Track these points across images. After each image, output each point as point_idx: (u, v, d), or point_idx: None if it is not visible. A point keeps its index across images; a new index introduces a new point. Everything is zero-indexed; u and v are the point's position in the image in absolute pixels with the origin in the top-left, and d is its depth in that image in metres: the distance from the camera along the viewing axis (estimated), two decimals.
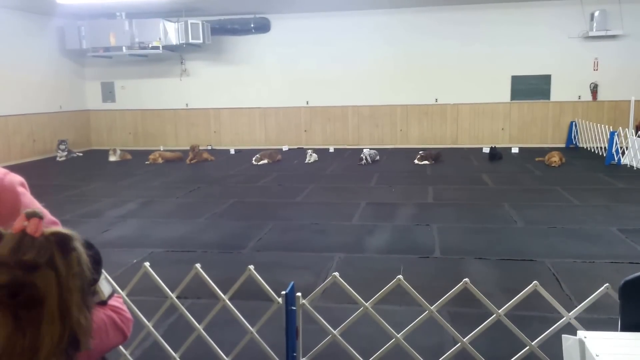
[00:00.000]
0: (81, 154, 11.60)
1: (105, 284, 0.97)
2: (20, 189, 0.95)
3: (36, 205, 0.94)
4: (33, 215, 0.75)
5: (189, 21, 10.92)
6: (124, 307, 1.01)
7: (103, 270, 0.97)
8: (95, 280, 0.88)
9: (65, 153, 10.93)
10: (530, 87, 11.29)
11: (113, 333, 0.96)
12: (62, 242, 0.75)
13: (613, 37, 10.72)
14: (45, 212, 0.93)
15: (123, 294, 2.35)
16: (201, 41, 11.10)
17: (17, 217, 0.86)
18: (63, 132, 11.72)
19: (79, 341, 0.75)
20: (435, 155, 9.52)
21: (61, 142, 10.98)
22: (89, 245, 0.86)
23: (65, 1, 9.46)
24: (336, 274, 2.31)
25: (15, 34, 10.47)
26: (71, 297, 0.74)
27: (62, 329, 0.73)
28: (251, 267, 2.38)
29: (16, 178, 0.96)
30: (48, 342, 0.72)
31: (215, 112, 12.40)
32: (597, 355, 1.54)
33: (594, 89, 11.09)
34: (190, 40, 10.97)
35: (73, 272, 0.75)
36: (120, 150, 10.92)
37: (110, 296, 0.98)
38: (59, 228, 0.78)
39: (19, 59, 10.53)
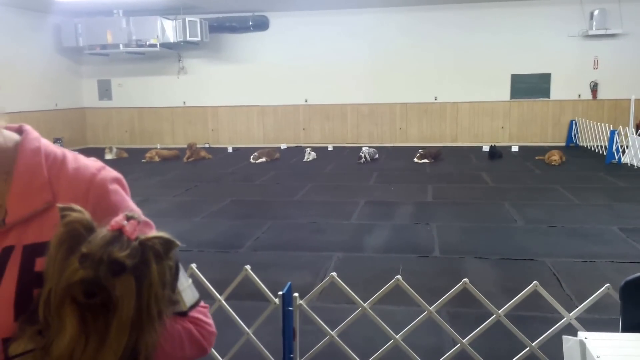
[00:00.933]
0: (77, 152, 11.55)
1: (189, 293, 0.88)
2: (113, 187, 0.89)
3: (128, 205, 0.89)
4: (132, 217, 0.71)
5: (187, 19, 10.87)
6: (208, 319, 0.92)
7: (188, 278, 0.90)
8: (172, 290, 0.81)
9: None
10: (530, 86, 11.27)
11: (189, 346, 0.87)
12: (161, 249, 0.72)
13: (613, 35, 10.70)
14: (139, 214, 0.88)
15: None
16: (199, 39, 11.06)
17: (109, 217, 0.83)
18: (59, 129, 11.67)
19: (138, 355, 0.70)
20: (435, 154, 9.49)
21: (56, 140, 10.95)
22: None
23: None
24: (334, 274, 2.28)
25: (11, 31, 10.41)
26: (149, 310, 0.69)
27: (128, 341, 0.68)
28: (248, 267, 2.35)
29: (110, 174, 0.90)
30: (110, 355, 0.67)
31: (213, 110, 12.36)
32: (598, 357, 1.51)
33: (594, 88, 11.07)
34: (188, 38, 10.92)
35: (163, 281, 0.70)
36: (117, 148, 10.89)
37: (193, 306, 0.89)
38: (161, 232, 0.74)
39: (14, 56, 10.46)
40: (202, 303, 0.92)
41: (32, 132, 0.89)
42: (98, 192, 0.85)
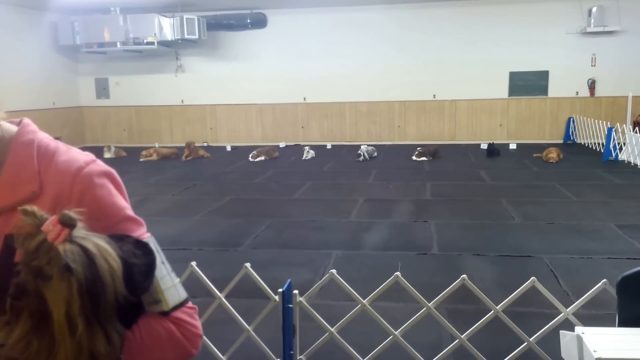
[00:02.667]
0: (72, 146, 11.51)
1: (174, 293, 0.85)
2: (100, 180, 0.86)
3: (114, 200, 0.86)
4: (64, 219, 0.69)
5: (185, 16, 10.84)
6: (194, 320, 0.88)
7: (175, 277, 0.87)
8: (144, 291, 0.79)
9: None
10: (528, 83, 11.28)
11: (170, 348, 0.84)
12: (81, 254, 0.69)
13: (611, 33, 10.71)
14: (122, 210, 0.87)
15: None
16: (197, 37, 11.03)
17: (99, 214, 0.82)
18: (56, 128, 11.62)
19: None
20: (434, 152, 9.51)
21: (55, 139, 10.89)
22: (145, 253, 0.78)
23: None
24: (333, 271, 2.30)
25: (7, 29, 10.35)
26: (79, 317, 0.68)
27: (75, 347, 0.68)
28: (247, 264, 2.36)
29: (98, 168, 0.87)
30: (62, 355, 0.67)
31: (211, 108, 12.34)
32: (594, 351, 1.53)
33: (592, 85, 11.08)
34: (186, 36, 10.89)
35: (86, 289, 0.68)
36: (115, 147, 10.86)
37: (178, 307, 0.85)
38: (92, 237, 0.71)
39: (11, 55, 10.40)
40: (189, 304, 0.89)
41: (29, 125, 0.90)
42: (83, 185, 0.84)
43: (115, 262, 0.71)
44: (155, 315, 0.84)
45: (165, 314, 0.84)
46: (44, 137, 0.89)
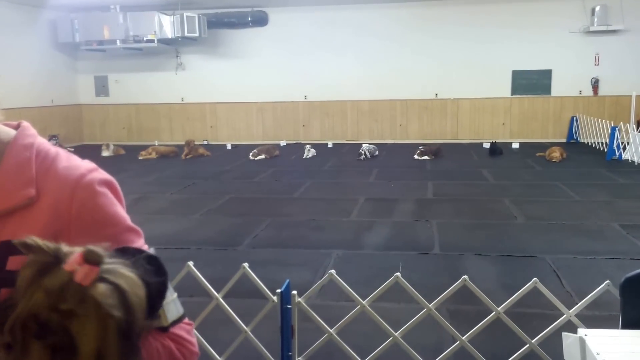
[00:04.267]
0: (73, 149, 11.51)
1: (172, 308, 0.83)
2: (101, 189, 0.84)
3: (115, 210, 0.84)
4: (90, 257, 0.65)
5: (185, 14, 10.82)
6: (191, 338, 0.87)
7: (173, 291, 0.85)
8: (156, 311, 0.76)
9: None
10: (531, 82, 11.23)
11: None
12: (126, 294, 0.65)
13: (614, 31, 10.66)
14: (123, 220, 0.85)
15: None
16: (197, 34, 11.01)
17: (101, 223, 0.80)
18: (55, 126, 11.63)
19: None
20: (435, 151, 9.47)
21: (52, 137, 10.91)
22: (157, 269, 0.74)
23: None
24: (333, 271, 2.27)
25: (6, 26, 10.35)
26: (110, 347, 0.65)
27: None
28: (246, 264, 2.33)
29: (100, 176, 0.85)
30: None
31: (212, 106, 12.32)
32: (597, 354, 1.50)
33: (595, 84, 11.03)
34: (186, 34, 10.87)
35: (124, 329, 0.65)
36: (114, 145, 10.84)
37: (176, 322, 0.84)
38: (119, 269, 0.67)
39: (10, 52, 10.40)
40: (186, 319, 0.87)
41: (28, 129, 0.87)
42: (84, 194, 0.82)
43: (142, 291, 0.68)
44: (154, 331, 0.81)
45: (164, 329, 0.82)
46: (44, 142, 0.87)
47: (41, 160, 0.83)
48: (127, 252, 0.73)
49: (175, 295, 0.85)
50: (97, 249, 0.66)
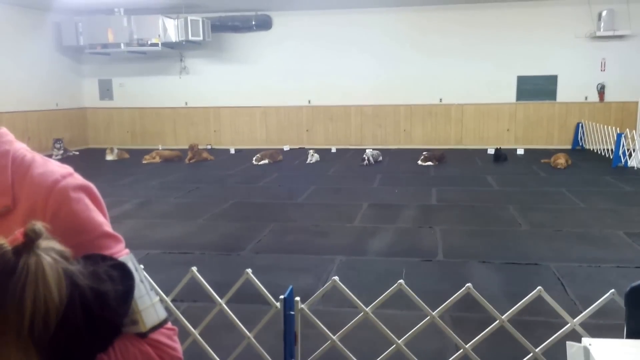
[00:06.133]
0: (77, 153, 11.58)
1: (152, 313, 0.83)
2: (76, 195, 0.83)
3: (90, 215, 0.83)
4: (28, 229, 0.66)
5: (189, 18, 10.87)
6: (173, 343, 0.86)
7: (155, 295, 0.85)
8: (121, 316, 0.76)
9: (61, 152, 10.90)
10: (536, 88, 11.20)
11: None
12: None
13: (621, 37, 10.62)
14: (98, 226, 0.84)
15: None
16: (201, 38, 11.05)
17: (75, 230, 0.80)
18: (59, 130, 11.69)
19: None
20: (440, 156, 9.45)
21: (56, 141, 10.97)
22: (123, 276, 0.75)
23: None
24: (336, 277, 2.26)
25: (10, 29, 10.41)
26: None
27: None
28: (249, 270, 2.33)
29: (75, 181, 0.84)
30: None
31: (215, 110, 12.36)
32: None
33: (601, 90, 10.98)
34: (190, 38, 10.91)
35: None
36: (118, 149, 10.88)
37: (156, 328, 0.83)
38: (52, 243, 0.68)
39: (14, 55, 10.46)
40: (168, 325, 0.86)
41: (5, 135, 0.87)
42: (58, 199, 0.81)
43: (49, 286, 0.65)
44: (132, 337, 0.81)
45: (143, 335, 0.81)
46: (20, 148, 0.86)
47: (17, 167, 0.83)
48: (91, 259, 0.74)
49: (156, 299, 0.85)
50: (39, 226, 0.67)
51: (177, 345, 0.87)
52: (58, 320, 0.65)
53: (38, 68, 11.13)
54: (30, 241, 0.66)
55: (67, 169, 0.87)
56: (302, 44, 11.65)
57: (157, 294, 2.37)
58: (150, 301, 0.83)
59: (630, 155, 8.56)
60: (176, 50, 11.88)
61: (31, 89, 10.96)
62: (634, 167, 8.35)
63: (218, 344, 2.51)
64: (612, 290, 2.04)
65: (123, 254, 0.85)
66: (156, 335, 0.83)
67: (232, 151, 11.43)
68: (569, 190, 6.79)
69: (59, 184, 0.82)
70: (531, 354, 2.17)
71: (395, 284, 2.21)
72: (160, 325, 0.84)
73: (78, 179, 0.86)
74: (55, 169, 0.85)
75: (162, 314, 0.85)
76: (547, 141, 11.33)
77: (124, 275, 0.76)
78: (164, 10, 10.99)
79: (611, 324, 2.86)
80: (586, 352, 1.58)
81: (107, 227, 0.86)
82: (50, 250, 0.67)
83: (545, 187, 7.07)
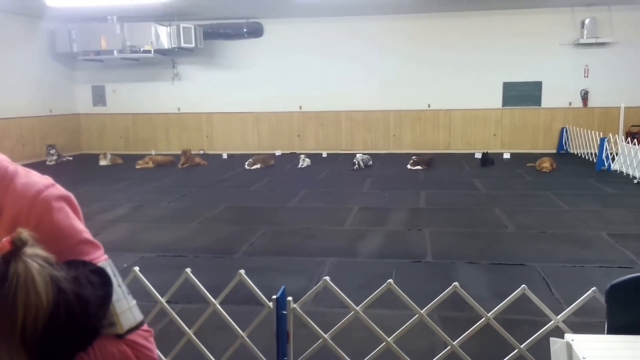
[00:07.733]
0: (71, 158, 11.50)
1: (129, 316, 0.87)
2: (57, 204, 0.86)
3: (72, 224, 0.87)
4: (14, 238, 0.70)
5: (181, 25, 10.90)
6: (148, 344, 0.90)
7: (132, 299, 0.89)
8: (99, 319, 0.80)
9: (55, 157, 10.85)
10: (522, 94, 11.40)
11: None
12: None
13: (603, 44, 10.87)
14: (78, 233, 0.87)
15: None
16: (193, 45, 11.09)
17: (56, 237, 0.83)
18: (53, 136, 11.61)
19: None
20: (428, 161, 9.57)
21: (50, 146, 10.89)
22: (102, 281, 0.79)
23: (55, 4, 9.41)
24: (327, 278, 2.32)
25: (4, 36, 10.36)
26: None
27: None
28: (242, 271, 2.37)
29: (57, 192, 0.87)
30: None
31: (208, 116, 12.37)
32: (584, 358, 1.55)
33: (585, 96, 11.22)
34: (182, 44, 10.94)
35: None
36: (111, 154, 10.84)
37: (133, 329, 0.87)
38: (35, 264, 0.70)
39: (8, 62, 10.40)
40: (144, 327, 0.90)
41: None
42: (41, 209, 0.84)
43: (37, 294, 0.69)
44: (110, 338, 0.85)
45: (120, 336, 0.86)
46: (3, 160, 0.89)
47: (0, 179, 0.86)
48: (73, 265, 0.78)
49: (133, 303, 0.90)
50: (25, 234, 0.71)
51: (153, 346, 0.91)
52: (44, 323, 0.70)
53: (32, 75, 11.07)
54: (16, 249, 0.70)
55: (48, 179, 0.90)
56: (293, 51, 11.73)
57: (152, 295, 2.42)
58: (127, 305, 0.88)
59: (613, 159, 8.75)
60: (169, 57, 11.89)
61: (25, 96, 10.88)
62: (616, 170, 8.53)
63: (212, 344, 2.55)
64: (594, 288, 2.11)
65: (102, 259, 0.89)
66: (133, 337, 0.88)
67: (225, 156, 11.43)
68: (554, 193, 6.93)
69: (42, 194, 0.86)
70: (516, 350, 2.22)
71: (385, 284, 2.26)
72: (137, 327, 0.89)
73: (59, 189, 0.90)
74: (38, 179, 0.89)
75: (139, 317, 0.90)
76: (532, 145, 11.52)
77: (103, 280, 0.81)
78: (157, 17, 11.01)
79: (594, 322, 2.95)
80: (569, 347, 1.65)
81: (87, 234, 0.90)
82: (36, 257, 0.71)
83: (531, 190, 7.21)
